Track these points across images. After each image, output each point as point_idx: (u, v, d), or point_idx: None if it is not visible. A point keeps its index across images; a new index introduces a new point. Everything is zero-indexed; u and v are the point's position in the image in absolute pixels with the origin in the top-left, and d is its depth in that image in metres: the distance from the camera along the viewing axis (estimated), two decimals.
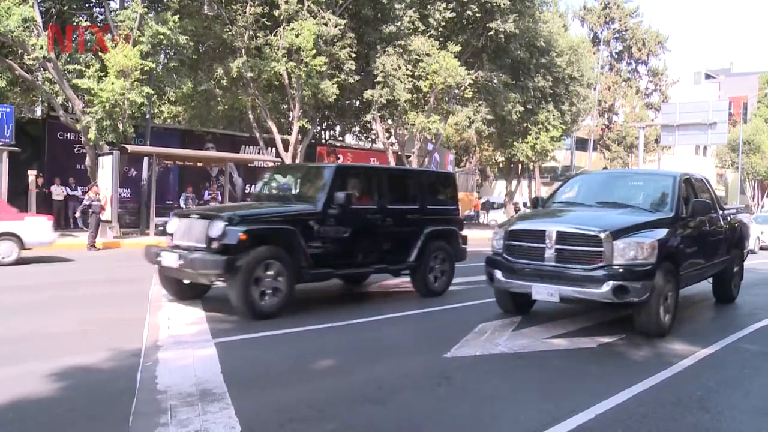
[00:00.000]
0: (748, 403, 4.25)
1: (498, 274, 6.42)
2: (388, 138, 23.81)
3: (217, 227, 6.38)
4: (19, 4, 13.82)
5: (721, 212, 8.08)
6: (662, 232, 6.08)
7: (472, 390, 4.38)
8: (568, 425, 3.65)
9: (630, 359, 5.35)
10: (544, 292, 5.98)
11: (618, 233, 5.79)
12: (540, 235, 6.12)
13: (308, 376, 4.63)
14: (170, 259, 6.66)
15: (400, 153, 23.78)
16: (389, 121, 23.17)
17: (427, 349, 5.56)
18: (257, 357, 5.15)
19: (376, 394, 4.22)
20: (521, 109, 23.77)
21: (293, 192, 8.04)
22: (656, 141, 36.72)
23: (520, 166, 32.86)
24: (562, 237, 5.96)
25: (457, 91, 21.76)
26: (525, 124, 25.76)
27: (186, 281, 7.21)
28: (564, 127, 27.22)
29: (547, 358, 5.32)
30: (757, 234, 20.81)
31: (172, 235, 7.09)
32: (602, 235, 5.75)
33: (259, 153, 22.15)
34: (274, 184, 8.41)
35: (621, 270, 5.69)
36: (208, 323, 6.19)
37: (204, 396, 3.99)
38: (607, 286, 5.65)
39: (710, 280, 8.32)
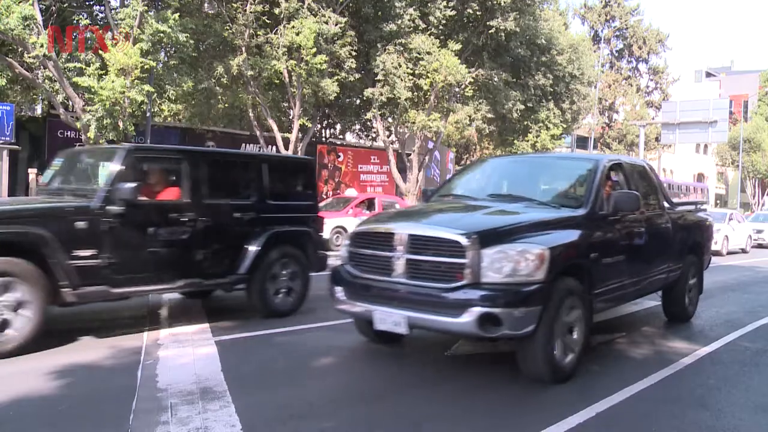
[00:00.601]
0: (748, 400, 4.25)
1: (338, 292, 4.90)
2: (388, 136, 23.79)
3: None
4: (19, 2, 13.81)
5: (669, 209, 6.56)
6: (563, 236, 4.58)
7: (472, 388, 4.38)
8: (569, 423, 3.66)
9: (630, 357, 5.35)
10: (388, 320, 4.44)
11: (489, 238, 4.22)
12: (388, 240, 4.54)
13: (309, 374, 4.64)
14: None
15: (400, 151, 23.78)
16: (390, 120, 23.15)
17: (429, 346, 5.57)
18: (258, 355, 5.15)
19: (376, 391, 4.22)
20: (522, 107, 23.76)
21: (75, 183, 6.23)
22: (657, 139, 36.69)
23: None
24: (415, 243, 4.40)
25: (457, 90, 21.75)
26: (525, 123, 25.75)
27: None
28: (564, 125, 27.20)
29: None
30: (748, 233, 20.68)
31: None
32: (464, 241, 4.16)
33: (259, 151, 22.17)
34: (63, 173, 6.44)
35: (492, 291, 4.09)
36: (208, 321, 6.20)
37: (204, 394, 3.99)
38: (469, 315, 4.05)
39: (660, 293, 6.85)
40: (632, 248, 5.55)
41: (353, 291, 4.79)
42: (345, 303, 4.88)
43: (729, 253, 18.25)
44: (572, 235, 4.67)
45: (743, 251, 19.59)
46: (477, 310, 4.04)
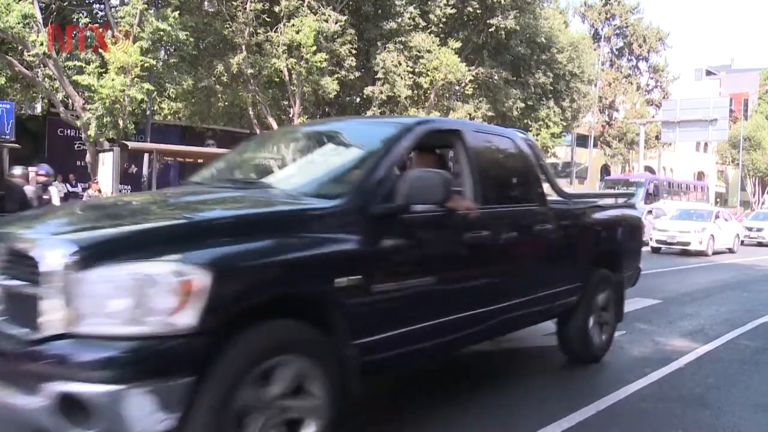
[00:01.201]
0: (748, 399, 4.26)
1: None
2: None
3: None
4: (19, 1, 13.81)
5: (561, 203, 4.67)
6: (270, 246, 2.55)
7: (470, 387, 4.38)
8: (569, 421, 3.66)
9: (630, 355, 5.35)
10: None
11: (100, 250, 2.24)
12: None
13: None
14: None
15: None
16: None
17: None
18: None
19: (379, 389, 4.23)
20: (522, 105, 23.79)
21: None
22: (657, 137, 36.73)
23: None
24: (10, 258, 2.46)
25: (457, 88, 21.77)
26: (525, 121, 25.77)
27: None
28: (564, 123, 27.23)
29: (547, 354, 5.32)
30: (736, 231, 20.06)
31: None
32: (46, 255, 2.25)
33: None
34: None
35: (90, 350, 2.15)
36: None
37: None
38: (43, 396, 2.14)
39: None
40: (457, 265, 3.48)
41: None
42: None
43: (715, 253, 17.51)
44: (293, 244, 2.64)
45: (730, 251, 18.92)
46: (55, 388, 2.12)
